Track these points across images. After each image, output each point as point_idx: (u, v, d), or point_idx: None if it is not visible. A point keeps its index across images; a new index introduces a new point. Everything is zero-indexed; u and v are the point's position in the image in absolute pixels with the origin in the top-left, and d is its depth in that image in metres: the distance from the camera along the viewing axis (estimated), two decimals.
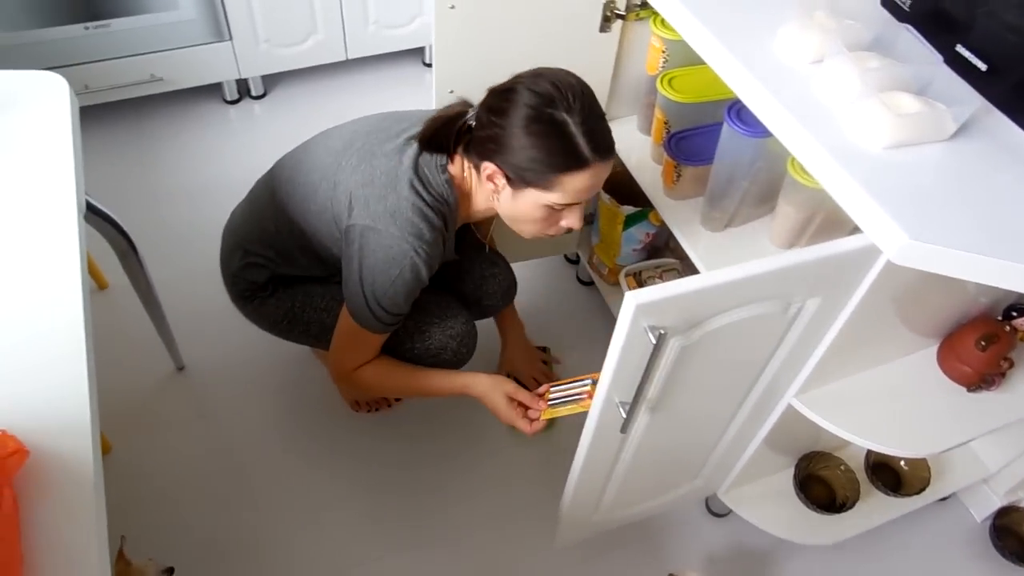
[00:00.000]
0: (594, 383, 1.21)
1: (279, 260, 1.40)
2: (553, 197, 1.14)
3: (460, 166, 1.24)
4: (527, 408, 1.32)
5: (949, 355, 1.25)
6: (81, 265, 0.93)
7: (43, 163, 1.07)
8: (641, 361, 0.92)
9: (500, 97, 1.13)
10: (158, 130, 2.40)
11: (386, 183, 1.19)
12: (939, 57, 1.03)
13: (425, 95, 2.54)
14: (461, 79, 1.39)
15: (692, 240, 1.43)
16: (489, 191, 1.21)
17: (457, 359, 1.44)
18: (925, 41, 1.04)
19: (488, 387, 1.34)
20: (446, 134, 1.21)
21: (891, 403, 1.24)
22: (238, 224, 1.46)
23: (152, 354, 1.78)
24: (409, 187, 1.19)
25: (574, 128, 1.08)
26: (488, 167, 1.16)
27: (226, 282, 1.49)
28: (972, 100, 0.99)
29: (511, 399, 1.33)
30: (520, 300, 1.71)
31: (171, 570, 1.34)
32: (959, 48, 1.05)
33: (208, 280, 1.79)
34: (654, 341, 0.87)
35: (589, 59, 1.47)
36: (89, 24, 2.09)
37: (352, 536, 1.56)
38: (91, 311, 0.93)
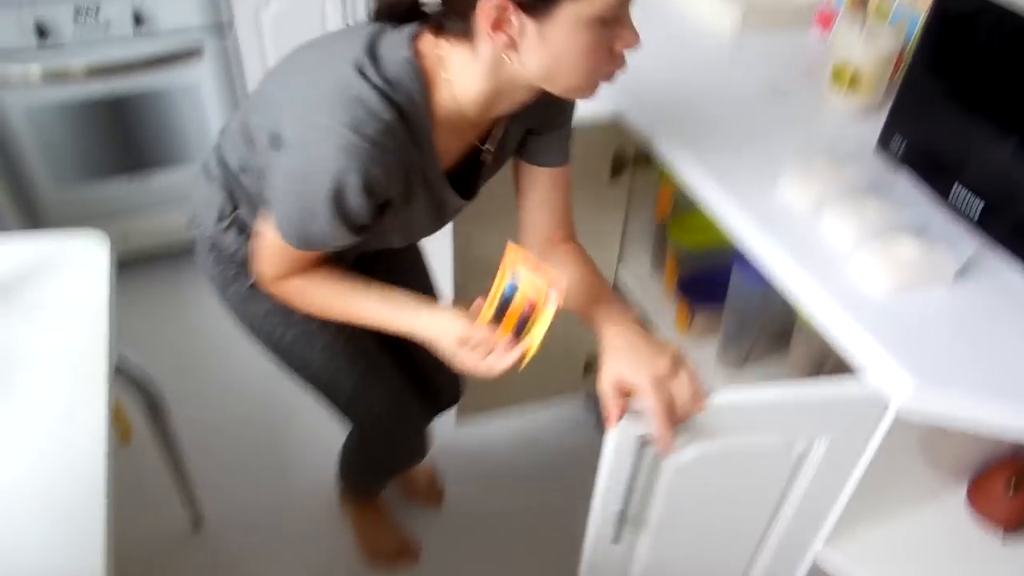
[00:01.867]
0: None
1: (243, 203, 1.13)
2: (598, 2, 0.80)
3: (429, 44, 0.91)
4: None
5: (980, 498, 1.20)
6: (107, 432, 0.95)
7: (79, 323, 1.10)
8: (630, 470, 0.95)
9: None
10: (190, 280, 2.46)
11: (322, 70, 0.89)
12: (937, 197, 1.05)
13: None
14: None
15: (709, 377, 1.43)
16: (497, 54, 0.85)
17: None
18: (923, 181, 1.07)
19: (437, 333, 1.00)
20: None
21: (923, 553, 1.17)
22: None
23: (169, 510, 1.74)
24: (352, 67, 0.86)
25: None
26: (489, 4, 0.80)
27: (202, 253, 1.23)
28: (971, 241, 1.01)
29: (464, 343, 0.96)
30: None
31: None
32: (956, 187, 1.07)
33: (231, 433, 1.83)
34: (638, 447, 0.90)
35: (601, 206, 1.53)
36: (133, 176, 2.20)
37: None
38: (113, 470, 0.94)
